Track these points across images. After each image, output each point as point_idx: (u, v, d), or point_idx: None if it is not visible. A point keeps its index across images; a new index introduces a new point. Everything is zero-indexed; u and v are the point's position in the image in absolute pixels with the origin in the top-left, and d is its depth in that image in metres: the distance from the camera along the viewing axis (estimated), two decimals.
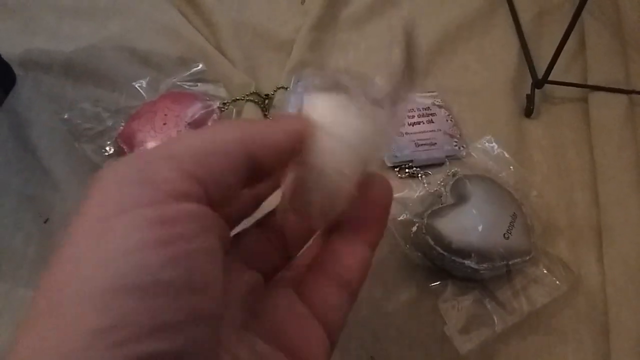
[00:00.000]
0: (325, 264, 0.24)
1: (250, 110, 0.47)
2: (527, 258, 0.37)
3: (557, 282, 0.37)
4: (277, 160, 0.21)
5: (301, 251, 0.26)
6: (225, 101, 0.46)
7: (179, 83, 0.47)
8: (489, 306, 0.37)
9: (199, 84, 0.48)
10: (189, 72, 0.48)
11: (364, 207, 0.24)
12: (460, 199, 0.39)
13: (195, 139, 0.19)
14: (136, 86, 0.47)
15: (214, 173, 0.18)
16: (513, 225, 0.37)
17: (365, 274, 0.24)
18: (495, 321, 0.36)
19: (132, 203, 0.16)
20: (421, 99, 0.48)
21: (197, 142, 0.19)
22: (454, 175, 0.42)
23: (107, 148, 0.43)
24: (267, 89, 0.49)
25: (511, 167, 0.43)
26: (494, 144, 0.45)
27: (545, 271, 0.38)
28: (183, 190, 0.17)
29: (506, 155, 0.44)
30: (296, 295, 0.23)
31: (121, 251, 0.15)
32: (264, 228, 0.25)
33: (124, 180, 0.17)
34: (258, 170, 0.20)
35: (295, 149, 0.21)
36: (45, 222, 0.41)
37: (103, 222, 0.16)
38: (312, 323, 0.22)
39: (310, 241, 0.27)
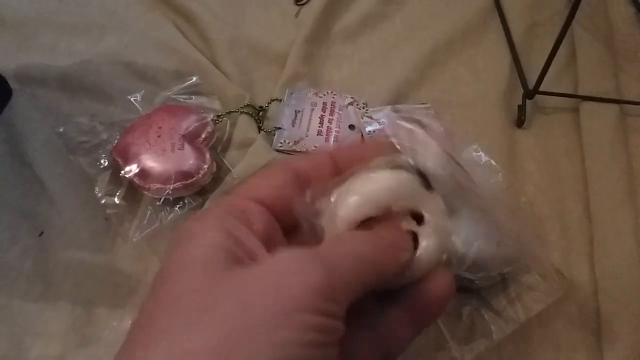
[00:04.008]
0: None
1: (245, 123, 0.47)
2: (521, 266, 0.37)
3: (551, 287, 0.37)
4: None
5: None
6: (220, 113, 0.47)
7: (173, 96, 0.47)
8: (486, 316, 0.37)
9: (193, 96, 0.48)
10: (183, 85, 0.48)
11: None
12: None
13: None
14: (131, 100, 0.47)
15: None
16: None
17: None
18: (493, 330, 0.36)
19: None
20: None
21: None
22: None
23: (102, 161, 0.43)
24: (262, 102, 0.49)
25: (499, 175, 0.43)
26: (480, 152, 0.45)
27: (538, 277, 0.38)
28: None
29: (493, 163, 0.44)
30: None
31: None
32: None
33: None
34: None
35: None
36: (39, 235, 0.41)
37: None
38: None
39: None
